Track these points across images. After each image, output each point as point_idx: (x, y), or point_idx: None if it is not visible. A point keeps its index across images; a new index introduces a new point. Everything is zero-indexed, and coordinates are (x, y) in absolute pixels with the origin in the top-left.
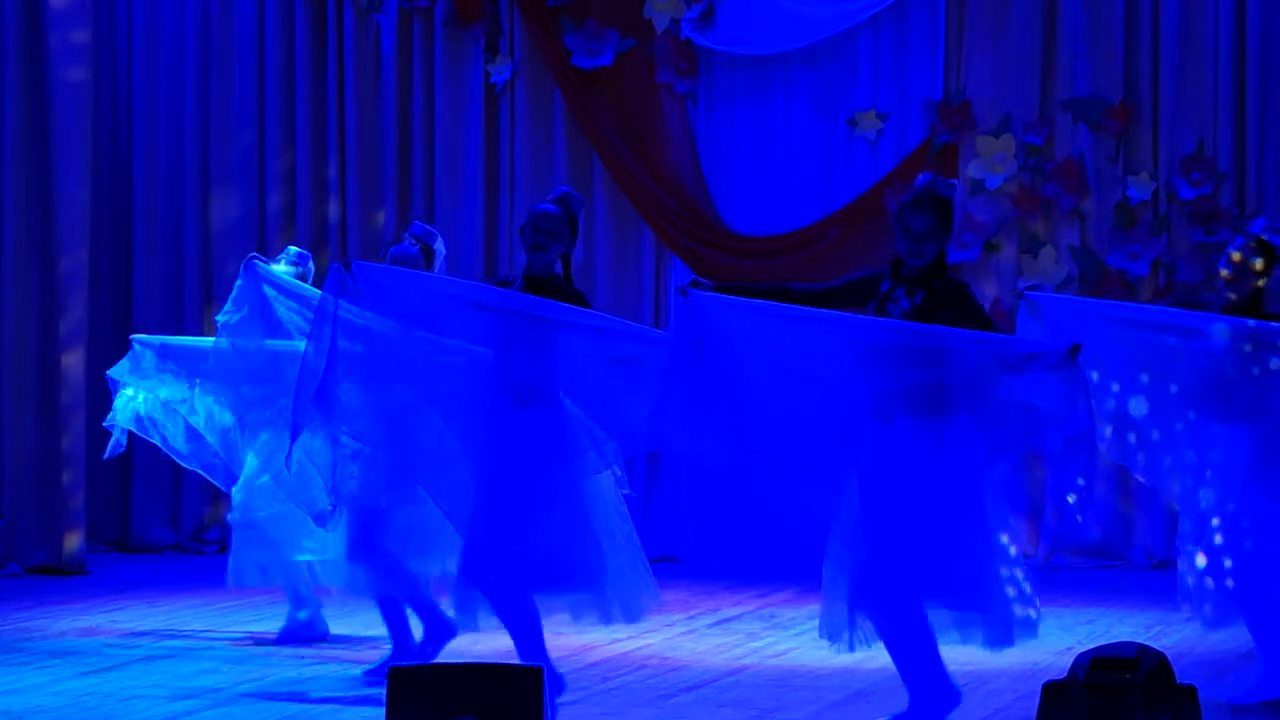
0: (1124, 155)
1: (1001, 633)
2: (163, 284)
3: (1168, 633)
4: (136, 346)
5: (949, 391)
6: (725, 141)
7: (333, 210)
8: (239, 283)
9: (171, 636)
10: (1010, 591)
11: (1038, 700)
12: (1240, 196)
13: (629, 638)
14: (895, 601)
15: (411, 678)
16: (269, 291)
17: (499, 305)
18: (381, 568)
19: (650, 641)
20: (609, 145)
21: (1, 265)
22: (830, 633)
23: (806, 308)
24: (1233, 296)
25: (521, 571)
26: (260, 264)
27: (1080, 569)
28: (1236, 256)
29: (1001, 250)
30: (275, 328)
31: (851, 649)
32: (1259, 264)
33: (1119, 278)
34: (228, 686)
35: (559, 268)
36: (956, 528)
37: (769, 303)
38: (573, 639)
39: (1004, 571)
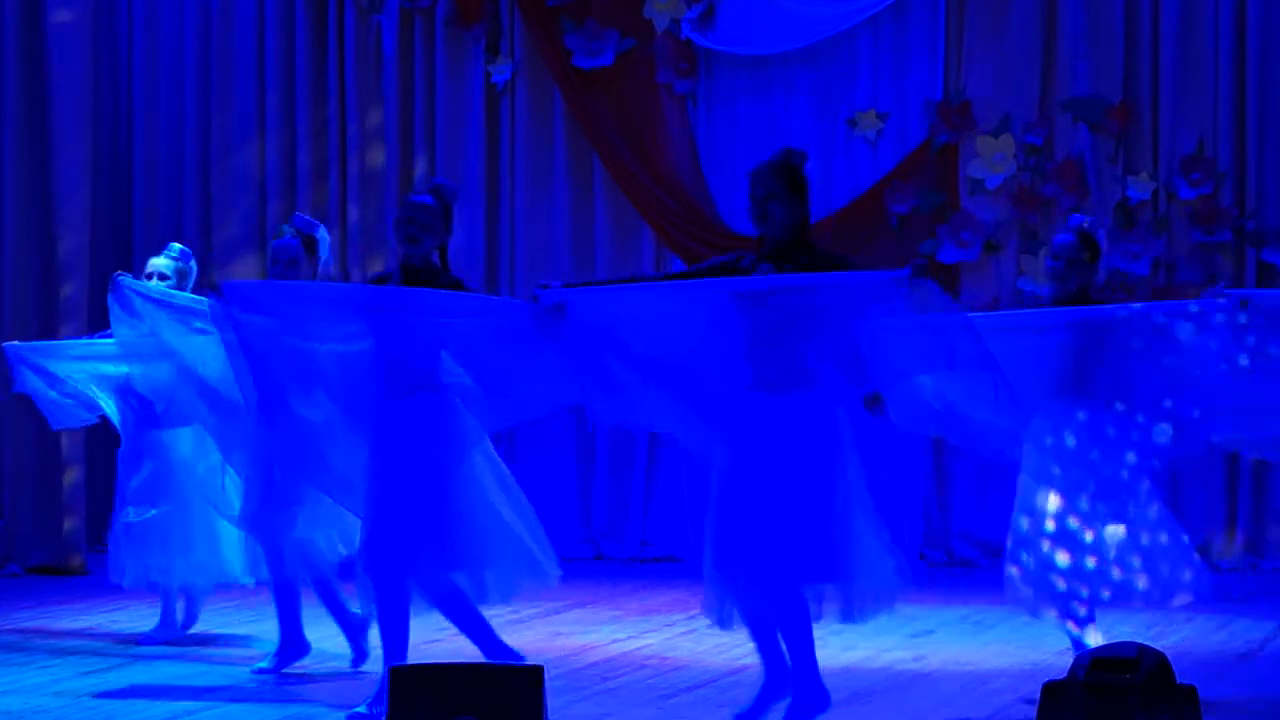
0: (1124, 155)
1: (869, 603)
2: None
3: (1168, 633)
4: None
5: (814, 350)
6: (725, 141)
7: (332, 203)
8: (111, 300)
9: (171, 636)
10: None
11: (1038, 700)
12: (1240, 196)
13: (629, 638)
14: (769, 585)
15: (411, 678)
16: (140, 303)
17: (371, 304)
18: (287, 547)
19: (650, 641)
20: (609, 145)
21: (1, 273)
22: (709, 610)
23: (658, 280)
24: (1070, 287)
25: (418, 557)
26: (127, 279)
27: None
28: (1066, 250)
29: (1001, 250)
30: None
31: (728, 627)
32: (1087, 256)
33: (1119, 278)
34: (227, 686)
35: (436, 258)
36: (828, 500)
37: (620, 284)
38: (573, 639)
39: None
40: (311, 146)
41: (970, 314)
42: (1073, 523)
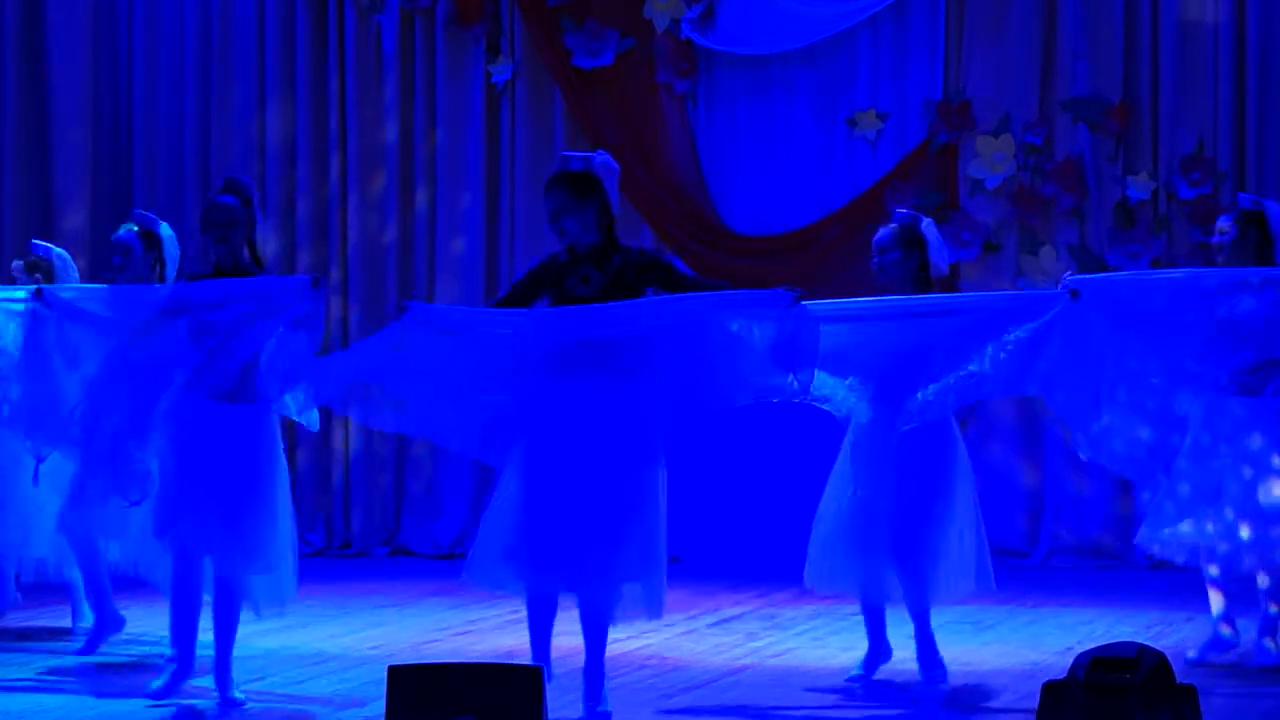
0: (1124, 155)
1: (655, 604)
2: None
3: (1168, 633)
4: None
5: (634, 353)
6: (725, 141)
7: (333, 209)
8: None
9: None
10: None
11: (1038, 700)
12: None
13: (629, 637)
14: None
15: (411, 678)
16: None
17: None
18: (79, 540)
19: (650, 641)
20: (609, 145)
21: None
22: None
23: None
24: (892, 278)
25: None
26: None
27: (1080, 569)
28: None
29: (1001, 250)
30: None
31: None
32: (906, 248)
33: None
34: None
35: (247, 254)
36: (626, 499)
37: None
38: (573, 639)
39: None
40: (311, 145)
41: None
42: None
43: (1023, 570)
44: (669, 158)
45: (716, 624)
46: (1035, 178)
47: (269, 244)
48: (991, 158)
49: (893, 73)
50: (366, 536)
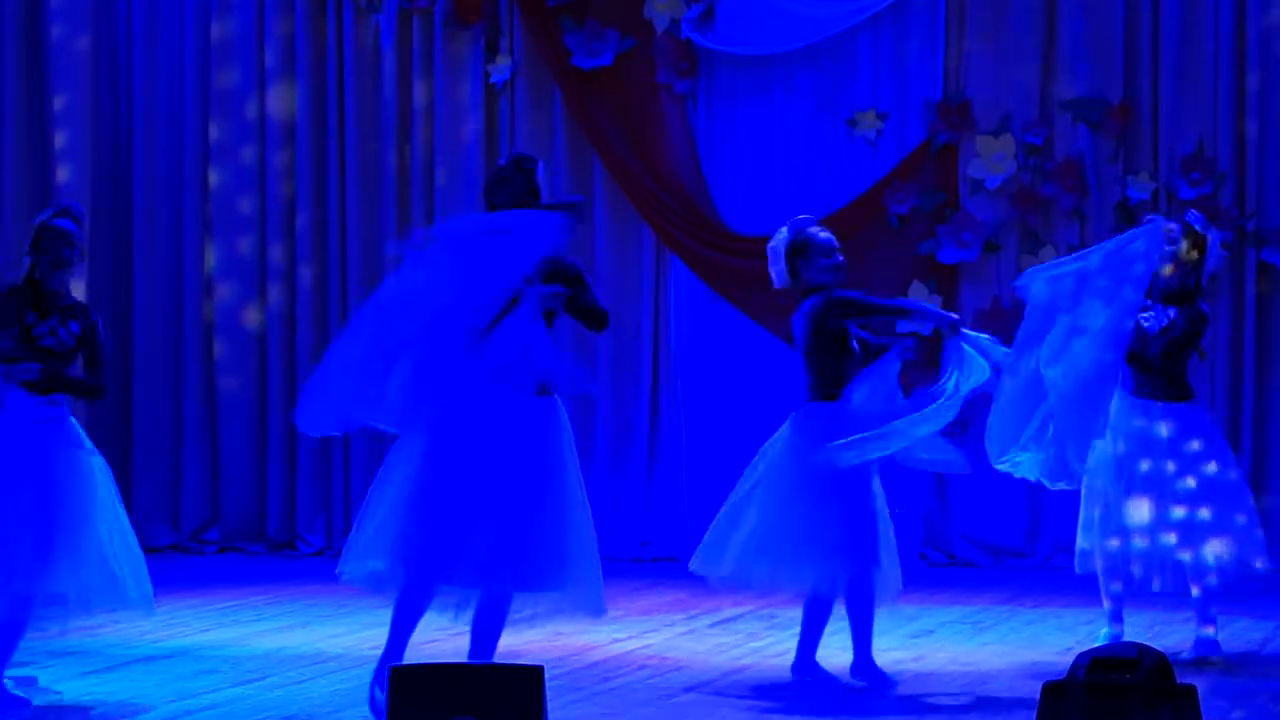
0: (1124, 155)
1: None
2: (162, 290)
3: (1168, 633)
4: None
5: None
6: (725, 141)
7: (332, 209)
8: None
9: (171, 637)
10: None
11: (1038, 700)
12: (1240, 196)
13: (629, 638)
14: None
15: (411, 678)
16: None
17: None
18: None
19: (650, 641)
20: (609, 145)
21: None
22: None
23: None
24: None
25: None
26: None
27: None
28: None
29: (1001, 250)
30: None
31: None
32: None
33: None
34: (228, 686)
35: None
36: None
37: None
38: (573, 639)
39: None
40: (311, 146)
41: None
42: None
43: (1023, 570)
44: (669, 158)
45: (716, 624)
46: (1035, 178)
47: (271, 246)
48: (991, 158)
49: (893, 73)
50: None
